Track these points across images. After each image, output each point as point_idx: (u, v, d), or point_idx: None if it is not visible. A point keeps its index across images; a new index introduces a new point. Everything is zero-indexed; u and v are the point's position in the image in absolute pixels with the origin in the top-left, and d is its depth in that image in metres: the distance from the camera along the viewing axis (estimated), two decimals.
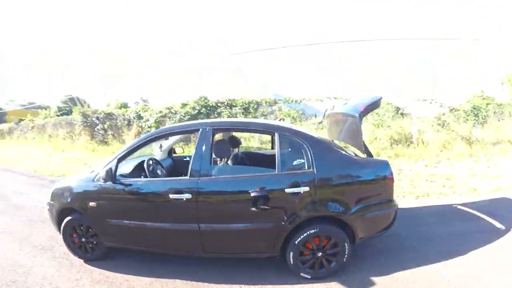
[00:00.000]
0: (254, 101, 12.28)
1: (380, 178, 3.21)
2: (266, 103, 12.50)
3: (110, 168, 3.33)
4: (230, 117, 12.03)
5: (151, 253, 3.69)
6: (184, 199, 3.09)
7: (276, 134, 3.28)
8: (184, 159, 4.97)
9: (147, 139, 3.65)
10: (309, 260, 3.13)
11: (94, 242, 3.68)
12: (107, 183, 3.34)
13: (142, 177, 3.76)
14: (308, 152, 3.10)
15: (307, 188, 2.98)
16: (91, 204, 3.45)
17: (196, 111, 11.98)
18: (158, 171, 4.18)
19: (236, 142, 4.74)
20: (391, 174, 3.19)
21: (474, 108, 11.39)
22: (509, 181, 6.22)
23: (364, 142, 3.41)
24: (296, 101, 12.56)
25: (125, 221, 3.44)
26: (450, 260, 3.35)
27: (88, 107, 15.52)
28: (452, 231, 4.11)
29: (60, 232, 3.79)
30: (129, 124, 12.55)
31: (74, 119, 13.48)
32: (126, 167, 3.89)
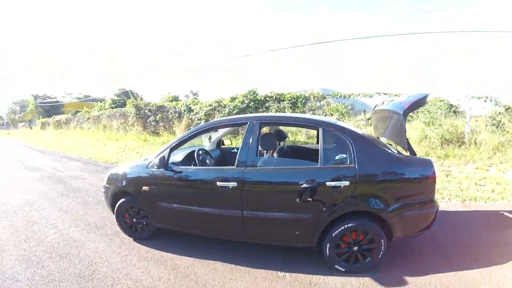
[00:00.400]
0: (302, 96, 12.06)
1: (422, 177, 3.14)
2: (314, 97, 12.21)
3: (163, 156, 3.59)
4: (278, 111, 11.93)
5: (195, 235, 3.80)
6: (230, 187, 3.22)
7: (320, 128, 3.32)
8: (232, 151, 5.14)
9: (198, 130, 3.81)
10: (345, 254, 3.16)
11: (144, 223, 3.93)
12: (160, 169, 3.60)
13: (192, 165, 3.92)
14: (351, 148, 3.11)
15: (347, 183, 2.99)
16: (144, 188, 3.72)
17: (245, 105, 11.97)
18: (207, 161, 4.34)
19: (282, 136, 4.85)
20: (434, 173, 3.12)
21: None
22: None
23: (407, 140, 3.37)
24: (345, 96, 12.22)
25: (174, 205, 3.64)
26: (487, 268, 3.16)
27: (141, 99, 16.21)
28: (494, 239, 3.81)
29: (113, 212, 4.08)
30: (179, 116, 12.84)
31: (128, 111, 14.05)
32: (178, 156, 4.11)
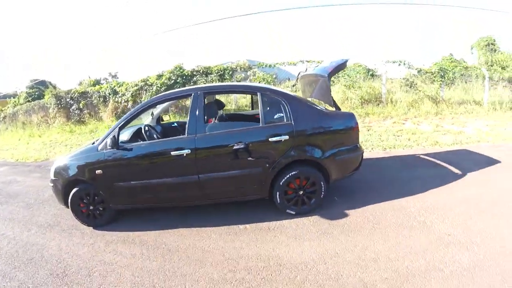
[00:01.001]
0: (229, 68, 12.29)
1: (348, 128, 3.87)
2: (240, 68, 12.50)
3: (114, 136, 3.70)
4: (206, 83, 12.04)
5: (154, 209, 4.14)
6: (184, 154, 3.59)
7: (258, 93, 3.84)
8: (172, 125, 5.37)
9: (144, 106, 4.05)
10: (293, 199, 3.78)
11: (101, 208, 4.01)
12: (112, 150, 3.70)
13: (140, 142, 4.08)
14: (286, 108, 3.68)
15: (287, 137, 3.59)
16: (98, 171, 3.77)
17: (172, 81, 11.85)
18: (154, 136, 4.44)
19: (220, 105, 5.22)
20: (356, 124, 3.87)
21: (441, 70, 11.95)
22: (470, 136, 6.94)
23: (332, 98, 4.04)
24: (270, 65, 12.66)
25: (132, 182, 3.82)
26: (411, 197, 4.01)
27: (54, 88, 14.98)
28: (413, 175, 4.76)
29: (66, 205, 4.06)
30: (105, 100, 12.29)
31: (47, 103, 13.00)
32: (124, 135, 4.20)
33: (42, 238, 4.04)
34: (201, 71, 12.11)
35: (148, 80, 11.92)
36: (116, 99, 12.08)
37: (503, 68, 18.98)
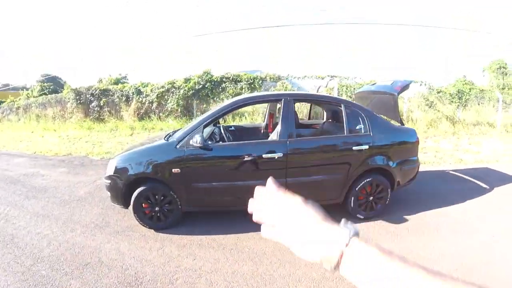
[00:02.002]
0: (258, 77, 11.87)
1: (412, 142, 4.24)
2: (270, 78, 12.12)
3: (201, 134, 3.51)
4: (235, 92, 11.68)
5: (218, 213, 4.02)
6: (276, 158, 3.58)
7: (342, 105, 3.99)
8: (230, 129, 5.32)
9: (234, 106, 3.97)
10: (363, 204, 3.98)
11: (167, 210, 3.69)
12: (195, 148, 3.48)
13: (214, 142, 3.95)
14: (365, 120, 3.94)
15: (367, 147, 3.84)
16: (175, 170, 3.50)
17: (200, 86, 11.32)
18: (230, 138, 4.50)
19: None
20: (418, 138, 4.29)
21: (459, 92, 12.61)
22: (487, 156, 7.60)
23: (399, 114, 4.49)
24: (299, 77, 12.52)
25: (214, 183, 3.65)
26: (455, 205, 4.46)
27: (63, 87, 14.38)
28: (449, 188, 5.25)
29: (125, 205, 3.68)
30: (127, 100, 11.68)
31: (66, 97, 12.34)
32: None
33: (92, 240, 3.42)
34: (230, 78, 11.62)
35: (175, 82, 11.38)
36: (140, 99, 11.48)
37: None
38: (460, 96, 12.72)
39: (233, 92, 11.79)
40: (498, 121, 11.92)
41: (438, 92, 12.69)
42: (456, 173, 6.14)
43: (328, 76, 12.79)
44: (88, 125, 10.95)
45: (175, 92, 11.22)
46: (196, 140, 3.41)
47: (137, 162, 3.60)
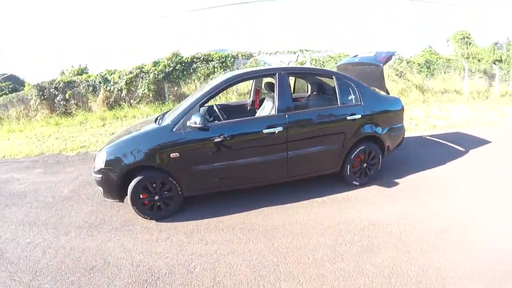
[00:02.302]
0: (230, 55, 11.59)
1: (398, 109, 4.50)
2: (242, 56, 11.85)
3: (200, 114, 3.37)
4: (207, 71, 11.46)
5: (215, 194, 3.88)
6: (276, 132, 3.57)
7: (334, 76, 4.14)
8: (218, 107, 5.08)
9: (229, 83, 3.81)
10: (358, 171, 4.21)
11: (167, 197, 3.56)
12: (193, 130, 3.37)
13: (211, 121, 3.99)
14: (356, 91, 4.12)
15: (359, 116, 4.00)
16: (173, 155, 3.36)
17: (171, 68, 10.87)
18: (220, 117, 4.41)
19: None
20: (403, 106, 4.58)
21: (427, 62, 13.32)
22: (458, 121, 8.17)
23: (385, 84, 4.68)
24: (270, 53, 12.46)
25: (215, 164, 3.53)
26: (438, 167, 4.87)
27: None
28: (429, 152, 5.68)
29: (121, 198, 3.54)
30: (94, 90, 11.03)
31: (27, 94, 11.48)
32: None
33: (91, 241, 3.23)
34: (201, 58, 11.25)
35: (143, 67, 10.85)
36: (108, 87, 10.87)
37: (478, 60, 20.46)
38: (428, 65, 13.41)
39: (204, 73, 11.49)
40: (464, 88, 12.98)
41: (408, 62, 13.32)
42: (433, 138, 6.64)
43: (300, 50, 12.75)
44: (56, 121, 10.27)
45: (145, 77, 10.71)
46: (195, 121, 3.28)
47: (130, 151, 3.38)
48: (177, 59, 11.02)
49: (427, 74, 13.07)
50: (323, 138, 3.89)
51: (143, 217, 3.51)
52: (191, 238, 3.15)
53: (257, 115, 4.40)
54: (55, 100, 11.17)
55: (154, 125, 3.68)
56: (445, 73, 13.97)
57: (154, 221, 3.50)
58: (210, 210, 3.70)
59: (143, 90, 10.64)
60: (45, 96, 11.21)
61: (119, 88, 10.79)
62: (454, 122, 8.08)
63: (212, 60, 11.33)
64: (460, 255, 2.75)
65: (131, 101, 10.87)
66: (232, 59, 11.65)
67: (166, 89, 11.13)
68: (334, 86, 4.14)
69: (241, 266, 2.69)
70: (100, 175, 3.41)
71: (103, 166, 3.38)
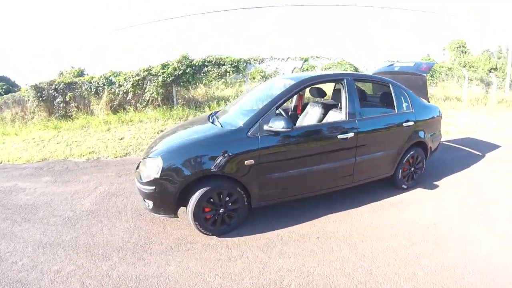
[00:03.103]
0: (242, 60, 11.02)
1: (437, 116, 4.75)
2: (254, 61, 11.30)
3: (284, 117, 3.24)
4: (219, 75, 11.00)
5: (287, 202, 3.63)
6: (348, 137, 3.53)
7: (390, 85, 4.26)
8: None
9: (303, 85, 3.64)
10: (406, 175, 4.36)
11: (231, 210, 3.16)
12: (269, 135, 3.10)
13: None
14: (408, 99, 4.30)
15: (412, 123, 4.18)
16: (248, 162, 3.02)
17: (181, 71, 10.18)
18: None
19: (323, 93, 4.94)
20: (441, 114, 4.86)
21: (431, 70, 12.91)
22: (465, 127, 8.65)
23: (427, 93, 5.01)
24: (282, 59, 12.00)
25: (290, 171, 3.30)
26: (465, 170, 5.22)
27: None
28: (453, 156, 6.03)
29: (174, 213, 3.04)
30: (97, 92, 10.22)
31: (24, 95, 10.57)
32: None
33: (144, 266, 2.60)
34: (213, 62, 10.60)
35: (151, 69, 10.10)
36: (113, 90, 10.08)
37: (475, 69, 21.10)
38: (432, 74, 13.68)
39: (216, 76, 10.87)
40: (464, 95, 13.23)
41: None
42: (450, 144, 6.99)
43: (311, 56, 12.48)
44: (55, 124, 9.39)
45: (153, 80, 9.97)
46: (279, 125, 2.97)
47: (194, 158, 2.90)
48: (187, 62, 10.35)
49: (430, 83, 13.09)
50: (386, 143, 3.99)
51: (204, 233, 3.05)
52: (268, 253, 2.84)
53: (299, 120, 4.53)
54: (54, 102, 10.29)
55: (219, 128, 3.30)
56: (443, 80, 14.41)
57: (215, 237, 3.05)
58: (273, 221, 3.42)
59: (152, 93, 9.88)
60: (44, 98, 10.31)
61: (125, 90, 10.00)
62: (461, 128, 8.58)
63: (224, 64, 10.73)
64: None
65: (138, 104, 10.09)
66: (245, 64, 11.11)
67: (175, 92, 10.42)
68: (390, 94, 4.23)
69: (337, 275, 2.54)
70: (153, 187, 2.85)
71: (158, 176, 2.82)
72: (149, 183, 2.86)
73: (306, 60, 12.58)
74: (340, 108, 3.88)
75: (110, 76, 10.15)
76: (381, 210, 3.76)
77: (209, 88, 11.45)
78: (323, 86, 4.67)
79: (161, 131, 7.98)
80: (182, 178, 2.82)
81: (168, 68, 10.11)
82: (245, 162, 2.99)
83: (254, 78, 14.08)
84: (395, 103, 4.17)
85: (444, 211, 3.74)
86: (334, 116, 3.93)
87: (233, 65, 10.82)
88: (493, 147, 6.77)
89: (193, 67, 10.41)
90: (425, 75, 4.85)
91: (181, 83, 10.44)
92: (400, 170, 4.22)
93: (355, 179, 3.81)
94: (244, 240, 3.03)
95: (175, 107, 10.02)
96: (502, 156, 6.08)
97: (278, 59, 11.97)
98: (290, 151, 3.25)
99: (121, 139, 7.41)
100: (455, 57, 25.02)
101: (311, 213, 3.60)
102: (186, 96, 10.88)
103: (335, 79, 4.12)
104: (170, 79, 10.02)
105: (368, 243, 3.02)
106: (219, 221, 3.08)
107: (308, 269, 2.61)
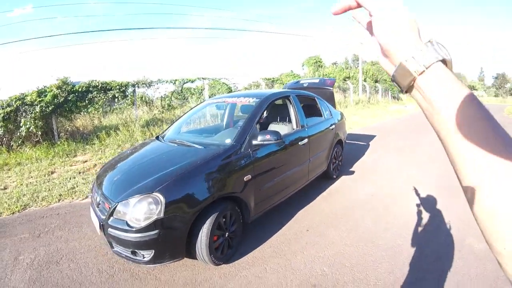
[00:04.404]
0: (129, 83, 10.53)
1: (344, 119, 6.37)
2: (142, 84, 10.89)
3: (275, 131, 3.40)
4: (105, 101, 10.40)
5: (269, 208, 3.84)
6: (304, 143, 4.30)
7: (315, 98, 5.46)
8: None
9: (267, 102, 4.04)
10: (334, 167, 5.66)
11: (233, 231, 3.15)
12: (257, 148, 3.34)
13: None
14: (328, 107, 5.70)
15: (334, 126, 5.51)
16: (246, 177, 3.14)
17: (62, 99, 9.00)
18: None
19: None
20: (344, 116, 6.54)
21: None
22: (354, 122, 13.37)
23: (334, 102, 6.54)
24: (170, 81, 12.28)
25: (275, 179, 3.65)
26: (363, 156, 7.62)
27: None
28: (348, 148, 8.19)
29: (183, 253, 2.73)
30: None
31: None
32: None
33: None
34: (99, 87, 9.71)
35: (24, 98, 8.55)
36: None
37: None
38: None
39: (103, 103, 9.98)
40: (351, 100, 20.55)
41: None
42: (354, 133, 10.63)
43: (198, 78, 12.73)
44: None
45: (28, 111, 8.52)
46: (269, 137, 3.28)
47: (200, 182, 2.77)
48: (69, 87, 9.22)
49: None
50: (323, 144, 5.05)
51: (217, 265, 2.92)
52: (284, 254, 3.31)
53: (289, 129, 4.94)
54: None
55: (202, 148, 3.34)
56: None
57: (223, 264, 3.07)
58: (262, 231, 3.80)
59: (29, 128, 8.41)
60: None
61: None
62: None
63: (111, 89, 9.97)
64: None
65: (11, 142, 8.45)
66: (132, 88, 10.55)
67: (55, 125, 9.11)
68: (316, 104, 5.44)
69: (344, 247, 3.54)
70: (155, 231, 2.50)
71: (162, 215, 2.49)
72: (149, 227, 2.50)
73: (192, 81, 12.62)
74: (287, 120, 4.87)
75: None
76: (331, 197, 4.93)
77: (94, 116, 10.38)
78: None
79: (52, 172, 6.94)
80: (194, 207, 2.65)
81: (46, 95, 8.80)
82: (244, 178, 3.11)
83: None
84: (322, 111, 5.41)
85: (367, 187, 5.38)
86: (279, 128, 4.49)
87: (121, 89, 10.17)
88: (370, 137, 10.03)
89: (76, 93, 9.34)
90: (331, 88, 6.40)
91: (63, 113, 9.23)
92: (331, 164, 5.45)
93: (308, 177, 4.59)
94: (253, 255, 3.25)
95: (58, 142, 8.77)
96: (379, 142, 9.20)
97: (166, 81, 11.77)
98: (275, 160, 3.68)
99: (4, 188, 6.15)
100: (314, 71, 29.46)
101: (287, 216, 4.20)
102: (69, 128, 9.62)
103: (284, 96, 4.59)
104: (50, 108, 8.74)
105: (344, 220, 4.07)
106: (225, 246, 3.00)
107: (323, 251, 3.30)
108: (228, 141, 3.37)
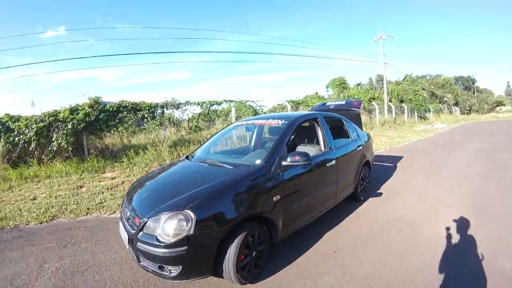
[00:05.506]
0: (158, 105, 10.82)
1: (371, 140, 6.31)
2: (171, 105, 11.15)
3: (304, 152, 3.42)
4: (135, 121, 10.60)
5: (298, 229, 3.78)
6: (332, 164, 4.26)
7: (342, 120, 5.44)
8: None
9: (296, 124, 4.11)
10: (362, 189, 5.49)
11: (260, 250, 3.08)
12: (287, 168, 3.35)
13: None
14: (355, 129, 5.64)
15: (361, 147, 5.44)
16: (276, 198, 3.14)
17: (94, 117, 9.30)
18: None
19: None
20: (372, 138, 6.47)
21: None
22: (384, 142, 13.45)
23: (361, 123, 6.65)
24: (198, 104, 12.37)
25: (304, 200, 3.60)
26: (390, 178, 7.23)
27: None
28: (374, 170, 7.43)
29: (211, 271, 2.73)
30: None
31: None
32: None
33: None
34: (129, 107, 10.00)
35: (57, 114, 8.93)
36: (11, 138, 8.50)
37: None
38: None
39: (132, 123, 10.24)
40: (377, 120, 20.55)
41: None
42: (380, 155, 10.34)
43: (225, 101, 12.90)
44: None
45: (61, 127, 8.84)
46: (297, 158, 3.31)
47: (229, 202, 2.77)
48: (100, 107, 9.54)
49: None
50: (351, 164, 5.01)
51: (243, 284, 2.88)
52: (311, 276, 3.18)
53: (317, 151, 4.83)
54: None
55: (232, 168, 3.38)
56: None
57: (249, 284, 2.99)
58: (287, 254, 3.67)
59: (60, 143, 8.69)
60: None
61: (28, 139, 8.53)
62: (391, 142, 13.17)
63: (140, 110, 10.23)
64: None
65: (43, 156, 8.72)
66: (162, 109, 10.83)
67: (86, 142, 9.38)
68: (343, 126, 5.43)
69: (376, 266, 3.38)
70: (185, 247, 2.49)
71: (192, 232, 2.50)
72: (178, 243, 2.50)
73: (213, 104, 12.74)
74: (314, 142, 4.77)
75: (7, 121, 8.57)
76: (359, 218, 4.75)
77: (123, 135, 10.62)
78: None
79: (80, 186, 7.08)
80: (223, 227, 2.65)
81: (78, 113, 9.13)
82: (274, 198, 3.10)
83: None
84: (349, 133, 5.34)
85: (396, 208, 5.13)
86: (307, 149, 4.39)
87: (151, 110, 10.44)
88: (397, 158, 9.80)
89: (107, 113, 9.65)
90: (358, 110, 6.39)
91: (94, 131, 9.51)
92: (360, 185, 5.30)
93: (336, 198, 4.47)
94: (279, 275, 3.17)
95: (88, 158, 9.00)
96: (406, 163, 9.04)
97: (192, 103, 11.99)
98: (304, 181, 3.63)
99: (34, 199, 6.30)
100: (339, 93, 29.40)
101: (314, 237, 4.07)
102: (99, 145, 9.89)
103: (312, 118, 4.61)
104: (81, 126, 9.05)
105: (372, 242, 3.91)
106: (252, 266, 2.94)
107: (351, 274, 3.18)
108: (258, 161, 3.37)
